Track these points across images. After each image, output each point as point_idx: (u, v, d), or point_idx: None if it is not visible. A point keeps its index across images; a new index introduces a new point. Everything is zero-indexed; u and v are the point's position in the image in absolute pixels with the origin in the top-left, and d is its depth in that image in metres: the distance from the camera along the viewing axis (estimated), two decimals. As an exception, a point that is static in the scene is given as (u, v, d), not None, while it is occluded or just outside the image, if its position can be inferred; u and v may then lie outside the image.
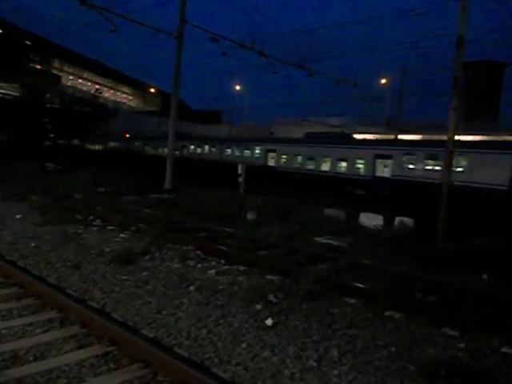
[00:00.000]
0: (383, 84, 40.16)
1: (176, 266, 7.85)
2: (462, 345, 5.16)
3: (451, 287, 7.01)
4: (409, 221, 12.74)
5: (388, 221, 12.97)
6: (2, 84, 50.05)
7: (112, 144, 48.67)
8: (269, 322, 5.46)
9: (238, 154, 32.08)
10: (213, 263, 8.14)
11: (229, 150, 33.16)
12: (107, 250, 8.57)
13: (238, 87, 50.59)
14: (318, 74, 23.54)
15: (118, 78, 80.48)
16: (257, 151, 30.41)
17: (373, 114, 42.89)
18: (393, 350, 4.93)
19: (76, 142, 50.39)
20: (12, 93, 51.35)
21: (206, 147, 36.22)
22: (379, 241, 10.23)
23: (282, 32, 30.31)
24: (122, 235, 10.06)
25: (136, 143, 45.19)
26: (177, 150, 28.54)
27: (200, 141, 38.47)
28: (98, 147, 50.45)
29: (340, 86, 25.04)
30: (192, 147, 37.47)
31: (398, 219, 13.01)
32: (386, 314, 6.04)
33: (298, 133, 37.68)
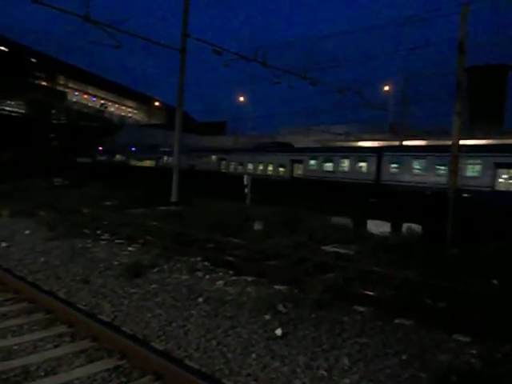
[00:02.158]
0: (386, 91, 40.30)
1: (184, 277, 7.87)
2: (474, 351, 5.12)
3: (461, 293, 6.96)
4: (417, 227, 12.67)
5: (396, 227, 12.91)
6: (8, 101, 50.68)
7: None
8: (278, 332, 5.45)
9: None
10: (221, 274, 8.15)
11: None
12: (116, 263, 8.61)
13: (241, 98, 50.90)
14: (321, 83, 23.66)
15: (122, 92, 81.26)
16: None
17: (377, 121, 42.98)
18: (404, 357, 4.90)
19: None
20: (18, 110, 52.03)
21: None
22: (387, 248, 10.19)
23: (284, 42, 30.64)
24: (130, 248, 10.11)
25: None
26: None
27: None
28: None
29: (344, 94, 25.15)
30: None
31: (405, 226, 12.94)
32: (396, 321, 6.01)
33: (303, 142, 37.84)
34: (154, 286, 7.31)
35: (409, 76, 43.40)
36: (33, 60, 59.79)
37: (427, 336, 5.53)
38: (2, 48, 48.37)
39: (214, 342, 5.13)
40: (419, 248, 10.13)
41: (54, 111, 57.54)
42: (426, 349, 5.14)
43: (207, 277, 7.95)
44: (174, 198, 19.25)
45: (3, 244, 9.98)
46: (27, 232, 11.55)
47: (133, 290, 7.01)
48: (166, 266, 8.54)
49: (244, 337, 5.34)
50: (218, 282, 7.62)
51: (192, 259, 9.09)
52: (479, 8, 16.08)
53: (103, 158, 50.79)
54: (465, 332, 5.54)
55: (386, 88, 40.34)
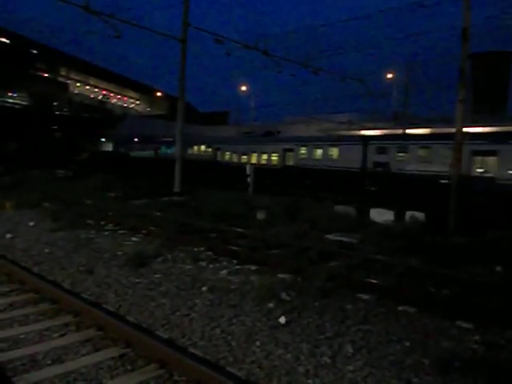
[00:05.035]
0: (389, 79, 40.00)
1: (188, 267, 7.91)
2: (477, 337, 5.14)
3: (464, 280, 6.97)
4: (420, 215, 12.67)
5: (399, 216, 12.91)
6: (10, 94, 50.62)
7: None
8: (282, 320, 5.48)
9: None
10: (224, 263, 8.18)
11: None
12: (120, 253, 8.65)
13: (243, 88, 50.63)
14: (324, 72, 23.49)
15: (124, 83, 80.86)
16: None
17: (380, 110, 42.69)
18: (407, 344, 4.93)
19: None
20: (21, 102, 51.99)
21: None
22: (390, 236, 10.20)
23: (285, 31, 30.39)
24: (133, 238, 10.15)
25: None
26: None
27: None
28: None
29: (347, 82, 24.97)
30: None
31: (408, 214, 12.94)
32: (400, 308, 6.03)
33: (306, 131, 37.66)
34: (157, 275, 7.35)
35: (412, 64, 43.11)
36: (34, 51, 59.56)
37: (430, 323, 5.55)
38: (3, 40, 48.23)
39: (218, 331, 5.17)
40: (422, 236, 10.14)
41: (56, 103, 57.47)
42: (429, 335, 5.17)
43: (211, 266, 7.99)
44: (176, 189, 19.26)
45: (8, 235, 10.04)
46: (31, 223, 11.60)
47: (137, 280, 7.05)
48: (169, 256, 8.58)
49: (248, 325, 5.37)
50: (221, 272, 7.65)
51: (195, 249, 9.13)
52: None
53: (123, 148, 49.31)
54: (468, 319, 5.56)
55: (389, 76, 40.04)
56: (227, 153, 34.04)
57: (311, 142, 27.74)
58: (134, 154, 44.36)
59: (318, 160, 26.32)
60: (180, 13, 19.32)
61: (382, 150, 22.89)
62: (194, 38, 20.14)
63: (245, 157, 31.67)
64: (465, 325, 5.48)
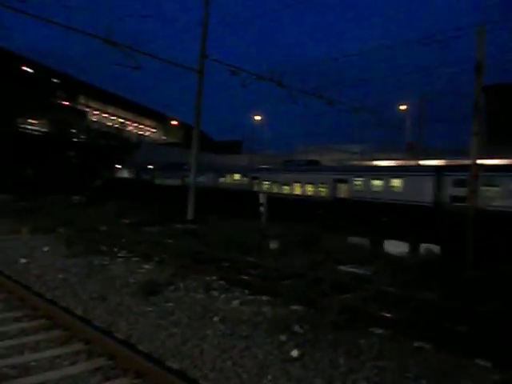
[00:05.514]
0: (403, 110, 40.24)
1: (200, 296, 7.86)
2: (497, 376, 4.97)
3: (482, 316, 6.79)
4: (435, 247, 12.48)
5: (413, 248, 12.73)
6: (31, 121, 52.02)
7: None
8: (294, 353, 5.38)
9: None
10: (236, 293, 8.12)
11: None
12: (132, 281, 8.66)
13: (257, 117, 51.30)
14: (337, 103, 23.74)
15: (141, 111, 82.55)
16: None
17: (393, 141, 42.80)
18: (424, 382, 4.78)
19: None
20: (40, 129, 53.31)
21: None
22: (405, 268, 10.04)
23: (300, 62, 30.90)
24: (146, 266, 10.16)
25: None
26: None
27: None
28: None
29: (360, 113, 25.17)
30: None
31: (423, 246, 12.76)
32: (415, 344, 5.88)
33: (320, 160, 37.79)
34: (169, 304, 7.31)
35: (425, 95, 43.40)
36: (55, 80, 61.49)
37: (448, 360, 5.39)
38: (27, 69, 50.00)
39: (229, 363, 5.09)
40: (438, 269, 9.96)
41: (74, 130, 58.79)
42: (446, 373, 5.01)
43: (223, 296, 7.93)
44: (190, 216, 19.34)
45: (23, 260, 10.14)
46: (46, 249, 11.71)
47: (149, 308, 7.02)
48: (181, 285, 8.55)
49: (259, 357, 5.28)
50: (233, 302, 7.59)
51: (208, 278, 9.09)
52: (496, 28, 16.06)
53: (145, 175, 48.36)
54: (486, 357, 5.39)
55: (403, 107, 40.29)
56: (266, 182, 30.63)
57: (369, 171, 24.69)
58: (158, 181, 42.27)
59: (377, 192, 22.81)
60: (196, 44, 19.91)
61: (462, 183, 18.44)
62: (210, 69, 20.61)
63: (286, 187, 28.67)
64: (483, 363, 5.31)
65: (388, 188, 22.46)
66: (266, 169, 33.07)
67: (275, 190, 29.25)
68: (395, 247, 12.84)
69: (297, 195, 27.22)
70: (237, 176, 33.84)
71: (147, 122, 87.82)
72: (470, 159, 12.71)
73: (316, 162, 31.45)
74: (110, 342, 5.17)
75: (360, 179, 24.12)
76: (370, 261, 11.19)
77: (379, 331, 6.30)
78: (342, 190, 24.89)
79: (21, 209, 20.67)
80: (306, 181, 27.39)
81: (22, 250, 11.44)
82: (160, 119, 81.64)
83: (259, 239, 13.43)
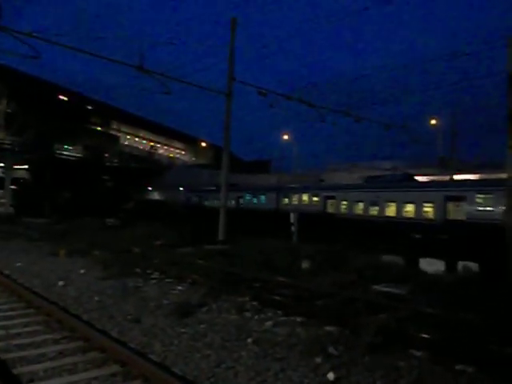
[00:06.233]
0: (433, 125, 39.59)
1: (233, 317, 7.84)
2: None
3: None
4: (473, 265, 12.05)
5: (450, 266, 12.34)
6: (67, 146, 54.03)
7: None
8: (330, 376, 5.26)
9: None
10: (269, 314, 8.05)
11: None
12: (165, 302, 8.73)
13: (286, 137, 51.55)
14: (366, 120, 23.64)
15: (171, 134, 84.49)
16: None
17: (424, 156, 42.06)
18: (467, 407, 4.57)
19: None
20: (75, 154, 55.26)
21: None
22: (442, 288, 9.72)
23: (326, 80, 30.81)
24: (179, 287, 10.24)
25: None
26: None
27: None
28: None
29: (389, 130, 24.90)
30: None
31: (461, 264, 12.34)
32: (457, 367, 5.64)
33: (348, 179, 37.46)
34: (202, 325, 7.32)
35: (457, 109, 42.63)
36: (89, 107, 63.89)
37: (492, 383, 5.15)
38: (63, 97, 52.25)
39: (264, 386, 5.02)
40: (476, 288, 9.59)
41: (107, 154, 60.65)
42: (491, 398, 4.78)
43: (256, 317, 7.87)
44: (220, 237, 19.43)
45: (60, 283, 10.40)
46: (82, 271, 11.99)
47: (182, 330, 7.04)
48: (214, 306, 8.55)
49: (295, 380, 5.19)
50: (266, 323, 7.52)
51: (240, 299, 9.05)
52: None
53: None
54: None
55: (433, 122, 39.66)
56: (344, 202, 26.27)
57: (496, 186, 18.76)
58: (208, 203, 38.83)
59: None
60: (224, 67, 20.34)
61: None
62: (239, 90, 20.96)
63: (375, 207, 24.07)
64: (531, 388, 5.04)
65: None
66: (344, 186, 28.38)
67: (358, 211, 25.03)
68: (431, 265, 12.48)
69: (388, 217, 22.70)
70: (305, 196, 29.58)
71: (177, 144, 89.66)
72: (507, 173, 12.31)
73: (411, 178, 26.33)
74: (145, 364, 5.21)
75: (486, 196, 18.66)
76: (405, 280, 10.90)
77: (418, 353, 6.09)
78: (457, 210, 20.07)
79: (58, 232, 21.34)
80: (404, 200, 22.68)
81: (60, 272, 11.74)
82: (190, 141, 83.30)
83: (291, 259, 13.32)
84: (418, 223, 20.67)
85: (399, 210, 22.66)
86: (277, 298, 8.96)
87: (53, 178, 39.85)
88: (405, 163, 42.81)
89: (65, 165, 46.75)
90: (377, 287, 10.34)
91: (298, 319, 7.69)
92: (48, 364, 5.43)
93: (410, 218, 21.67)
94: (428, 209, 21.35)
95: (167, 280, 11.03)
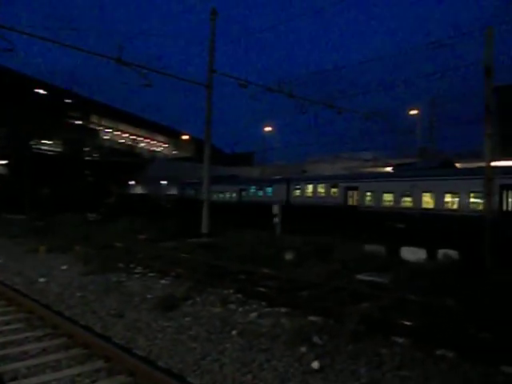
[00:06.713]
0: (413, 115, 40.08)
1: (217, 310, 7.85)
2: (524, 384, 4.85)
3: (507, 322, 6.64)
4: (453, 253, 12.29)
5: (431, 254, 12.56)
6: (45, 141, 53.01)
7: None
8: (315, 365, 5.32)
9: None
10: (254, 306, 8.08)
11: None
12: (149, 296, 8.69)
13: (268, 129, 51.54)
14: (347, 111, 23.77)
15: (152, 127, 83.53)
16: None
17: (404, 146, 42.60)
18: (448, 391, 4.69)
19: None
20: (54, 149, 54.29)
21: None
22: (423, 275, 9.89)
23: (307, 72, 30.92)
24: (162, 281, 10.19)
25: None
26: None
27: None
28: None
29: (370, 120, 25.12)
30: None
31: (441, 252, 12.58)
32: (438, 352, 5.77)
33: (330, 170, 37.69)
34: (187, 319, 7.31)
35: (436, 99, 43.19)
36: (68, 101, 62.68)
37: (472, 369, 5.28)
38: (41, 91, 51.09)
39: (249, 376, 5.06)
40: (457, 275, 9.79)
41: (87, 148, 59.76)
42: (471, 382, 4.91)
43: (240, 309, 7.90)
44: (204, 230, 19.37)
45: (42, 279, 10.26)
46: (64, 267, 11.83)
47: (167, 324, 7.03)
48: (198, 299, 8.55)
49: (280, 370, 5.24)
50: (251, 314, 7.55)
51: (225, 291, 9.07)
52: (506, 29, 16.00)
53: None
54: (512, 364, 5.25)
55: (413, 112, 40.14)
56: (368, 194, 23.68)
57: None
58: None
59: None
60: (204, 59, 20.16)
61: None
62: (219, 82, 20.81)
63: (408, 199, 21.49)
64: (510, 370, 5.18)
65: None
66: (367, 176, 26.21)
67: (386, 203, 22.64)
68: (412, 254, 12.68)
69: (424, 209, 20.36)
70: (321, 188, 26.77)
71: (159, 137, 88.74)
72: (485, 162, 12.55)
73: (450, 164, 23.64)
74: (130, 359, 5.18)
75: None
76: (387, 268, 11.07)
77: (400, 340, 6.20)
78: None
79: (37, 228, 20.98)
80: (445, 190, 19.91)
81: (41, 269, 11.57)
82: (171, 134, 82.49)
83: (274, 250, 13.38)
84: (463, 216, 18.45)
85: (438, 200, 20.04)
86: (261, 289, 9.00)
87: (32, 174, 39.05)
88: (385, 153, 43.31)
89: (44, 160, 45.84)
90: (360, 276, 10.45)
91: (283, 310, 7.75)
92: (31, 361, 5.36)
93: (454, 210, 19.33)
94: (475, 200, 18.49)
95: (150, 274, 10.97)
